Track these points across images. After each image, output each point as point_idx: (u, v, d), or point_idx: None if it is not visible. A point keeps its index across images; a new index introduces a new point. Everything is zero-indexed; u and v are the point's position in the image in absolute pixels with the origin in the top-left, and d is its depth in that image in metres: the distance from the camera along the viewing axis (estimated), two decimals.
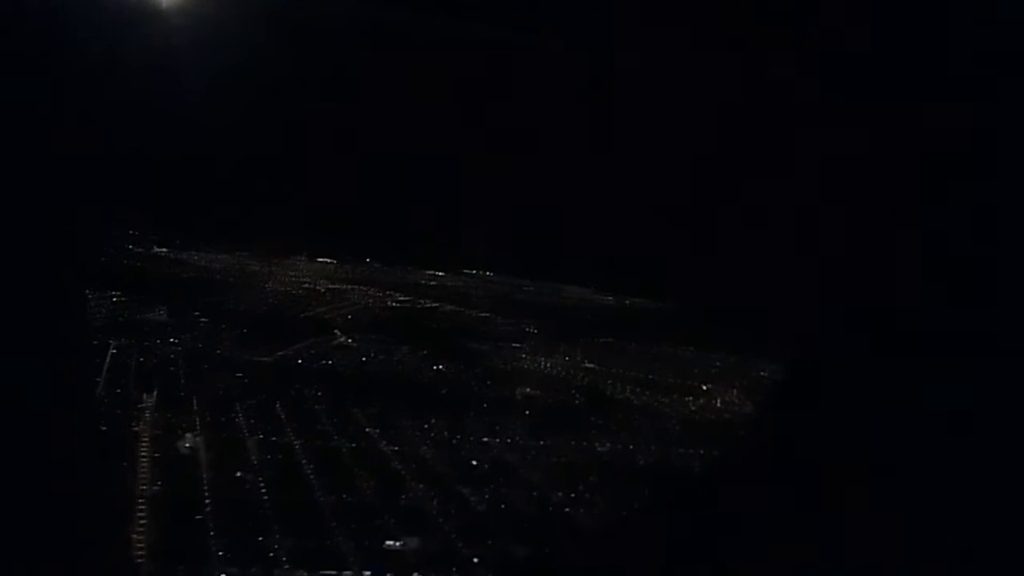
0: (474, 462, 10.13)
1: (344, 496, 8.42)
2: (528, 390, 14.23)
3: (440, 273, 26.53)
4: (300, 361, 13.98)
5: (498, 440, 11.16)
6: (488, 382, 14.40)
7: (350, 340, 16.18)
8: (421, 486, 9.00)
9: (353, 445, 10.05)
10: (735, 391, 16.32)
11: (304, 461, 9.23)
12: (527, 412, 12.89)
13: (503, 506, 8.80)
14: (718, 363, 18.89)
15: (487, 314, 21.24)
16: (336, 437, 10.26)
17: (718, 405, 15.23)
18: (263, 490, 8.21)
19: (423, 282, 25.28)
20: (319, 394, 12.13)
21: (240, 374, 12.56)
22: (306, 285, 21.67)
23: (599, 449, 11.57)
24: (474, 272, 27.37)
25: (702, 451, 12.07)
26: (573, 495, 9.46)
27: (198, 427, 9.74)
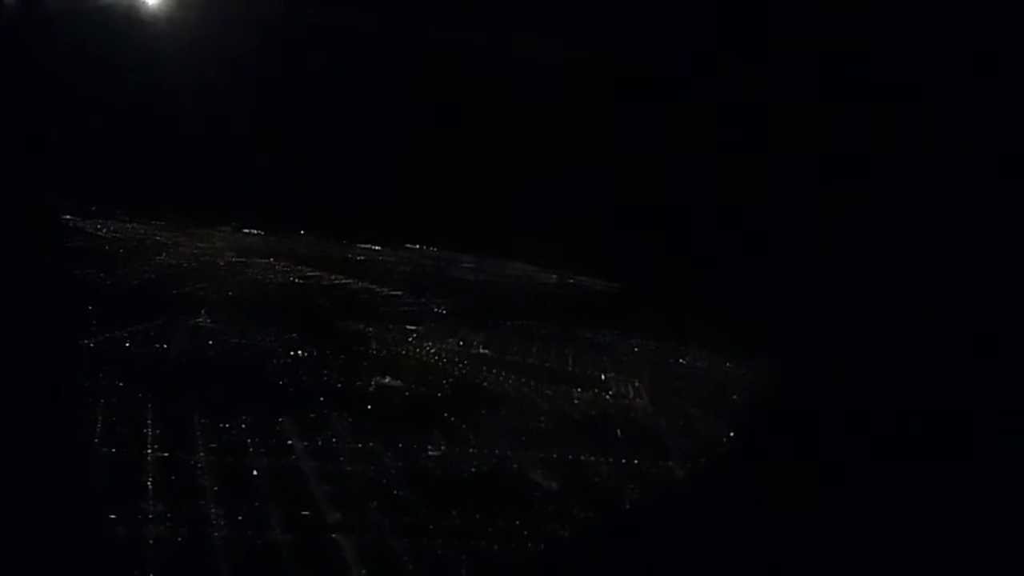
0: (255, 471, 8.69)
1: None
2: (388, 380, 12.77)
3: (377, 247, 24.87)
4: (128, 345, 12.48)
5: (307, 443, 9.71)
6: (348, 371, 12.93)
7: (211, 321, 14.68)
8: (160, 506, 7.55)
9: (113, 450, 8.60)
10: (636, 381, 14.91)
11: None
12: (369, 407, 11.45)
13: (250, 532, 7.37)
14: (636, 349, 17.43)
15: (399, 292, 19.74)
16: (99, 440, 8.80)
17: (607, 398, 13.80)
18: None
19: (350, 256, 23.63)
20: (121, 385, 10.65)
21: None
22: (205, 258, 20.07)
23: (429, 453, 10.13)
24: (417, 247, 25.73)
25: (554, 455, 10.68)
26: (355, 514, 8.04)
27: None
